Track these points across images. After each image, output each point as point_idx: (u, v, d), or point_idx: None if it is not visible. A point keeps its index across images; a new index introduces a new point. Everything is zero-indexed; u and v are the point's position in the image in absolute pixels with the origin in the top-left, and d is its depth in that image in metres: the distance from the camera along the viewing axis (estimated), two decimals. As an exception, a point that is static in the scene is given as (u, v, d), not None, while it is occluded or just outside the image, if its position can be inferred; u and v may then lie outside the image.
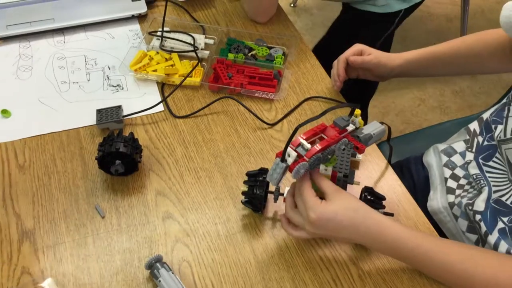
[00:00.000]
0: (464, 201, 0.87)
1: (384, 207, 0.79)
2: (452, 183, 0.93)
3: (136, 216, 0.85)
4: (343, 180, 0.78)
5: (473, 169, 0.88)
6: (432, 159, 1.00)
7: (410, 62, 1.02)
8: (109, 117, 0.96)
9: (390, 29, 1.32)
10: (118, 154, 0.85)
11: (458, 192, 0.91)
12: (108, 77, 1.06)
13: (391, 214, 0.80)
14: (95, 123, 0.96)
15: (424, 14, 2.54)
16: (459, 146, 0.97)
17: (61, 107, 1.00)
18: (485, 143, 0.88)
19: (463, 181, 0.92)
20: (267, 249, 0.81)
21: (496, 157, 0.85)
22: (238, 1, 1.24)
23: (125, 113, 0.98)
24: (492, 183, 0.84)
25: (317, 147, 0.69)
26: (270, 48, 1.12)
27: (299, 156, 0.69)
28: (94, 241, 0.81)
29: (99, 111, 0.97)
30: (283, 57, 1.09)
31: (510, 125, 0.81)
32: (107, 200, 0.87)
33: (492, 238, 0.81)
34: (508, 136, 0.80)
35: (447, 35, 2.42)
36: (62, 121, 0.98)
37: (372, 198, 0.78)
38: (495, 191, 0.83)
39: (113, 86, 1.05)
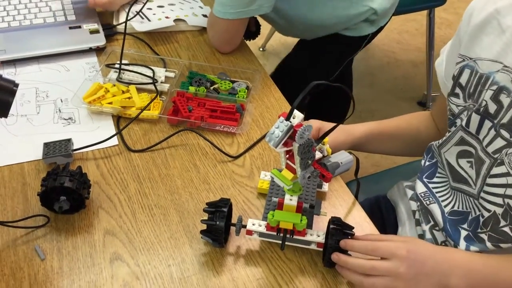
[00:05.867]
0: (426, 227, 0.87)
1: (353, 234, 0.74)
2: (419, 215, 0.90)
3: (80, 258, 0.76)
4: (309, 211, 0.72)
5: (420, 188, 0.89)
6: (397, 195, 0.99)
7: (366, 135, 0.98)
8: (57, 151, 0.89)
9: (356, 52, 1.30)
10: (63, 189, 0.78)
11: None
12: (59, 110, 1.00)
13: None
14: (41, 157, 0.88)
15: (391, 60, 2.58)
16: None
17: (6, 141, 0.93)
18: (427, 163, 0.90)
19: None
20: (225, 293, 0.73)
21: (439, 172, 0.88)
22: (202, 36, 1.21)
23: (76, 147, 0.91)
24: (440, 199, 0.86)
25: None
26: (233, 82, 1.08)
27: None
28: (30, 286, 0.72)
29: (46, 145, 0.89)
30: (246, 91, 1.05)
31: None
32: (49, 241, 0.78)
33: (462, 248, 0.81)
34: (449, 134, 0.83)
35: (414, 80, 2.45)
36: (5, 155, 0.90)
37: (341, 228, 0.73)
38: (445, 205, 0.84)
39: (65, 119, 0.98)
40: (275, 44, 2.61)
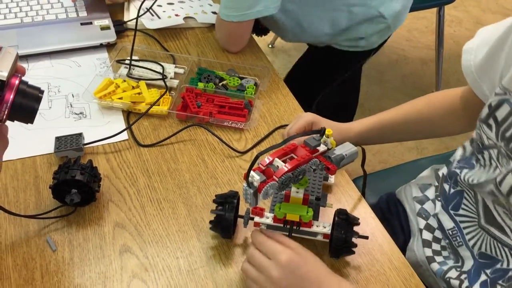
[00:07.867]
0: (445, 268, 0.82)
1: (358, 224, 0.74)
2: (427, 235, 0.88)
3: (90, 250, 0.78)
4: (316, 203, 0.73)
5: (448, 223, 0.83)
6: (406, 203, 0.96)
7: (362, 133, 0.94)
8: (69, 144, 0.90)
9: (361, 62, 1.30)
10: (74, 182, 0.80)
11: (434, 246, 0.86)
12: (71, 104, 1.02)
13: (366, 237, 0.75)
14: (53, 151, 0.90)
15: (400, 57, 2.58)
16: (431, 192, 0.92)
17: (19, 135, 0.95)
18: (452, 190, 0.84)
19: (438, 234, 0.87)
20: (231, 285, 0.74)
21: (464, 204, 0.81)
22: (211, 33, 1.23)
23: (87, 141, 0.93)
24: (467, 237, 0.80)
25: (287, 166, 0.64)
26: (241, 78, 1.09)
27: (268, 176, 0.64)
28: (42, 277, 0.74)
29: (58, 139, 0.91)
30: (254, 87, 1.06)
31: (486, 167, 0.76)
32: (60, 233, 0.80)
33: None
34: (483, 179, 0.75)
35: (423, 78, 2.44)
36: (18, 149, 0.92)
37: (347, 219, 0.74)
38: (473, 245, 0.79)
39: (76, 114, 1.00)
40: (284, 41, 2.61)
